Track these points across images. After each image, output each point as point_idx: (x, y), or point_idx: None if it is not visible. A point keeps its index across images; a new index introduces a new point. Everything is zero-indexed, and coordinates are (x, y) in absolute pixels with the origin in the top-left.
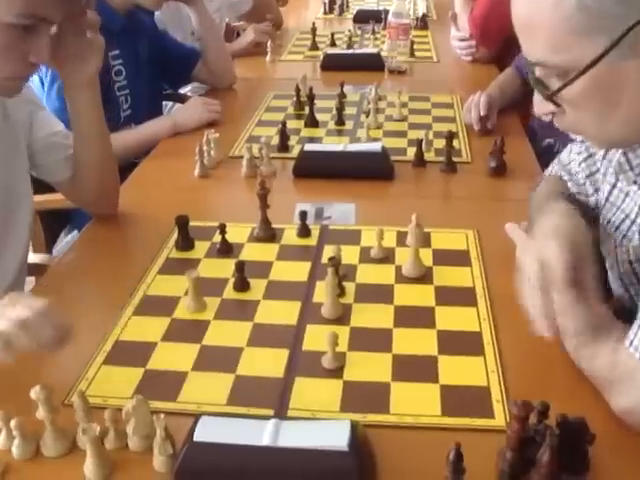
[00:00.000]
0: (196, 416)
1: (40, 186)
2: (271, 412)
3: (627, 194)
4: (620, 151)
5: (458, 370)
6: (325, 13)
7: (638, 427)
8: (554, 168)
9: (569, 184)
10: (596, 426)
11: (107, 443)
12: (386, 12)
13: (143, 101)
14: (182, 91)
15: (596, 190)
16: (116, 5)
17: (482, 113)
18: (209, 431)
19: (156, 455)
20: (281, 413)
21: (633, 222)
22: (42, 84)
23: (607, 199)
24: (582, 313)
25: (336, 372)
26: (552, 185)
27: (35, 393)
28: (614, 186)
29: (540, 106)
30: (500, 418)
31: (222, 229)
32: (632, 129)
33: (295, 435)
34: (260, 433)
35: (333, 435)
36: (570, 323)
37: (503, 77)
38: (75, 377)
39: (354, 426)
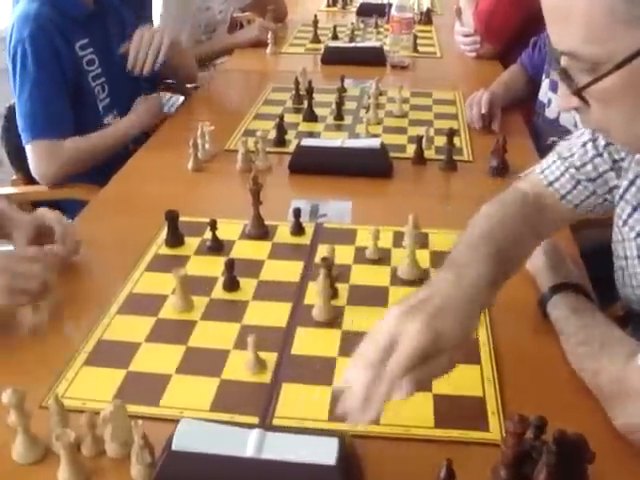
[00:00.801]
0: (177, 422)
1: (31, 179)
2: (256, 420)
3: None
4: None
5: (453, 379)
6: (328, 6)
7: None
8: (555, 163)
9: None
10: (596, 443)
11: (84, 449)
12: (390, 6)
13: (124, 87)
14: None
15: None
16: None
17: (483, 111)
18: (189, 439)
19: (134, 464)
20: (266, 421)
21: None
22: (14, 83)
23: (622, 196)
24: (588, 323)
25: (326, 377)
26: (488, 222)
27: (7, 397)
28: (632, 183)
29: (564, 100)
30: (495, 431)
31: (213, 225)
32: None
33: (280, 448)
34: (243, 443)
35: (320, 450)
36: (574, 333)
37: (508, 74)
38: (55, 378)
39: (342, 441)
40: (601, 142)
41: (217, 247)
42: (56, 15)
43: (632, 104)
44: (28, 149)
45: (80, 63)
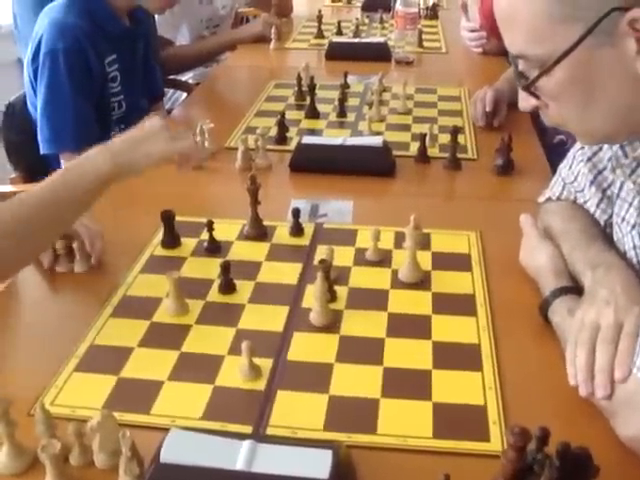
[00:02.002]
0: (168, 431)
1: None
2: (249, 429)
3: None
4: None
5: (453, 386)
6: (333, 1)
7: None
8: (564, 190)
9: (587, 203)
10: (601, 456)
11: (72, 459)
12: (395, 0)
13: (136, 106)
14: (183, 78)
15: (603, 191)
16: (118, 5)
17: (488, 109)
18: (178, 451)
19: (121, 475)
20: (260, 430)
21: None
22: (37, 90)
23: (618, 195)
24: None
25: (322, 385)
26: (583, 222)
27: None
28: (624, 182)
29: (524, 100)
30: (496, 442)
31: (210, 226)
32: (615, 122)
33: (272, 461)
34: (234, 456)
35: (313, 463)
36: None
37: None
38: (45, 384)
39: (336, 452)
40: (582, 163)
41: (214, 249)
42: (92, 28)
43: (579, 98)
44: (62, 161)
45: (106, 79)
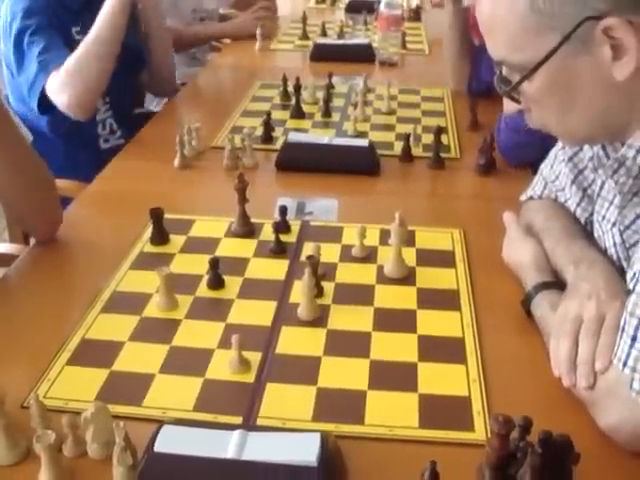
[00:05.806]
0: (160, 422)
1: None
2: (239, 420)
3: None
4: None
5: (438, 378)
6: (317, 2)
7: (626, 444)
8: (545, 189)
9: (568, 202)
10: (581, 444)
11: (65, 450)
12: (379, 2)
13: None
14: None
15: (584, 190)
16: None
17: None
18: (171, 441)
19: (115, 465)
20: (250, 421)
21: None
22: (20, 68)
23: (599, 194)
24: None
25: (310, 377)
26: (565, 219)
27: None
28: (604, 181)
29: (508, 103)
30: (480, 432)
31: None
32: (594, 125)
33: (261, 448)
34: (225, 445)
35: (302, 449)
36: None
37: None
38: (37, 377)
39: (325, 439)
40: (564, 163)
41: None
42: (54, 3)
43: (559, 103)
44: (51, 95)
45: (73, 48)
